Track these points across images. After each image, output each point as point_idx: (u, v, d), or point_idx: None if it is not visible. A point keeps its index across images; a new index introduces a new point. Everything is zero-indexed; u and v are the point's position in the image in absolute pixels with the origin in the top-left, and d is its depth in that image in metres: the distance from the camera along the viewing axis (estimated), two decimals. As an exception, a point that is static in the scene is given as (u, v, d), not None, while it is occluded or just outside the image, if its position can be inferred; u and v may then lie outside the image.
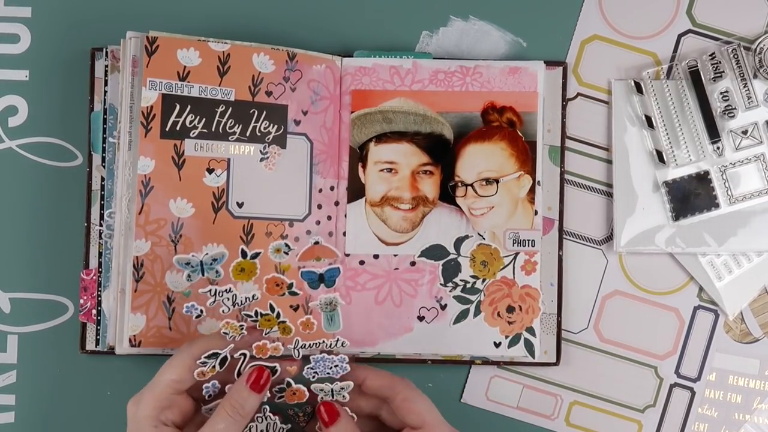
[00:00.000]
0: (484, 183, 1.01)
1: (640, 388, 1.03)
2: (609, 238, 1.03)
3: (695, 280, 1.02)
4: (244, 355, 0.88)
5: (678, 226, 1.01)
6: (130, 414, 0.87)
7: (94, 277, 1.00)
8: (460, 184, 1.01)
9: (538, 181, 1.01)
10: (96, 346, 1.00)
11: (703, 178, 1.01)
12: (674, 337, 1.03)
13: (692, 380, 1.03)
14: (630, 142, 1.02)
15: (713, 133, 1.01)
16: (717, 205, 1.01)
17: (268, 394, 0.89)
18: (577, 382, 1.02)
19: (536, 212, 1.01)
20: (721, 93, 1.01)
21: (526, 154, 1.01)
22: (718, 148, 1.01)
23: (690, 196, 1.01)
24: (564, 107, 1.02)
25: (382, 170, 1.01)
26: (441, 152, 1.01)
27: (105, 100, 1.00)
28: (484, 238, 1.01)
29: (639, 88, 1.02)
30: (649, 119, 1.02)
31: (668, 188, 1.01)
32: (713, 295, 1.02)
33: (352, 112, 1.01)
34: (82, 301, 1.00)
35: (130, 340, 0.94)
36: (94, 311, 0.99)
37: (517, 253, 1.01)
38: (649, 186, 1.02)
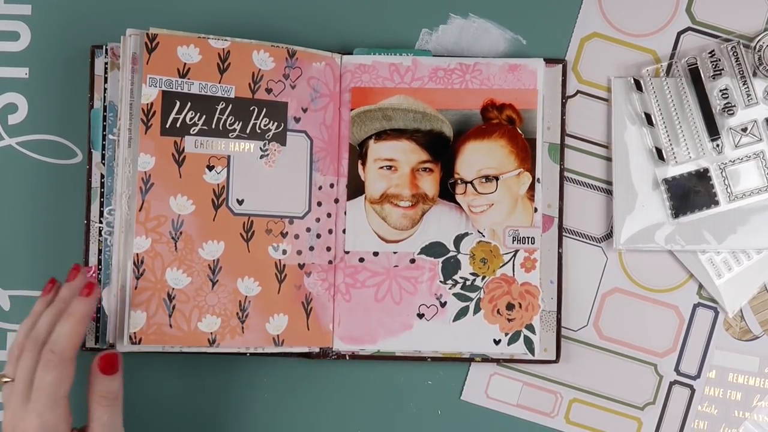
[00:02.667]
0: (483, 180, 1.01)
1: (640, 386, 1.03)
2: (609, 235, 1.03)
3: (695, 277, 1.02)
4: None
5: (678, 223, 1.01)
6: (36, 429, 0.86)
7: (94, 275, 1.00)
8: (459, 181, 1.01)
9: (538, 179, 1.01)
10: (96, 344, 1.00)
11: (702, 175, 1.01)
12: (674, 334, 1.03)
13: (692, 378, 1.03)
14: (629, 140, 1.02)
15: (713, 131, 1.01)
16: (716, 203, 1.01)
17: None
18: (576, 379, 1.02)
19: (536, 209, 1.01)
20: (720, 90, 1.01)
21: (525, 152, 1.01)
22: (718, 145, 1.01)
23: (690, 194, 1.01)
24: (563, 105, 1.03)
25: (381, 168, 1.01)
26: (441, 150, 1.01)
27: (105, 97, 1.00)
28: (483, 236, 1.01)
29: (638, 86, 1.02)
30: (648, 117, 1.02)
31: (668, 186, 1.01)
32: (713, 293, 1.02)
33: (351, 110, 1.01)
34: (81, 298, 1.00)
35: (130, 338, 0.94)
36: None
37: (516, 251, 1.01)
38: (648, 183, 1.02)
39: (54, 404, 0.86)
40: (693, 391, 1.03)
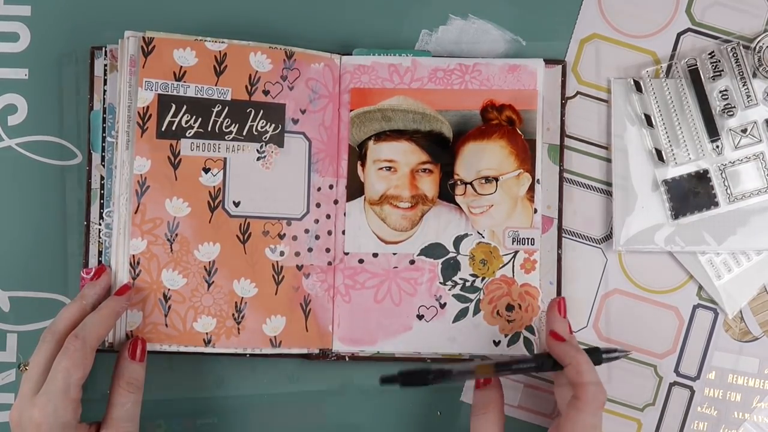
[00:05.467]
0: (483, 181, 1.01)
1: (640, 387, 1.02)
2: (608, 236, 1.03)
3: (695, 278, 1.02)
4: None
5: (677, 224, 1.01)
6: (41, 420, 0.87)
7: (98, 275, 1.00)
8: (459, 182, 1.01)
9: (538, 180, 1.01)
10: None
11: (702, 176, 1.01)
12: (674, 335, 1.03)
13: (692, 379, 1.02)
14: (629, 141, 1.02)
15: (712, 132, 1.01)
16: (716, 204, 1.01)
17: None
18: (576, 380, 1.02)
19: (535, 211, 1.01)
20: (720, 92, 1.01)
21: (525, 153, 1.01)
22: (718, 146, 1.01)
23: (689, 195, 1.01)
24: (563, 106, 1.02)
25: (381, 169, 1.01)
26: (440, 150, 1.01)
27: (104, 99, 1.00)
28: (483, 237, 1.01)
29: (638, 87, 1.02)
30: (648, 118, 1.02)
31: (667, 187, 1.01)
32: (713, 294, 1.02)
33: (351, 111, 1.01)
34: (81, 299, 1.00)
35: (127, 335, 0.95)
36: (93, 309, 1.00)
37: (516, 252, 1.01)
38: (648, 185, 1.02)
39: (65, 389, 0.87)
40: (693, 392, 1.02)
